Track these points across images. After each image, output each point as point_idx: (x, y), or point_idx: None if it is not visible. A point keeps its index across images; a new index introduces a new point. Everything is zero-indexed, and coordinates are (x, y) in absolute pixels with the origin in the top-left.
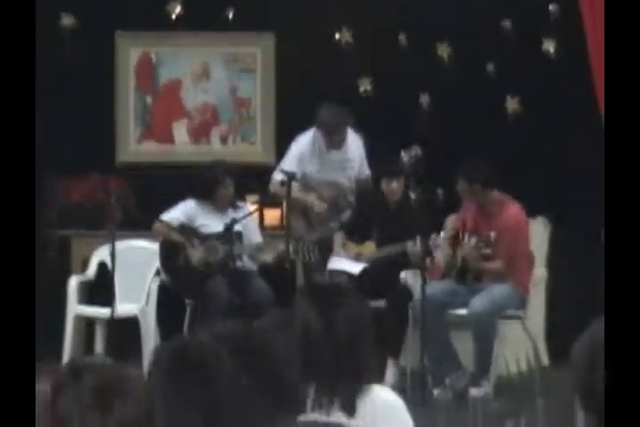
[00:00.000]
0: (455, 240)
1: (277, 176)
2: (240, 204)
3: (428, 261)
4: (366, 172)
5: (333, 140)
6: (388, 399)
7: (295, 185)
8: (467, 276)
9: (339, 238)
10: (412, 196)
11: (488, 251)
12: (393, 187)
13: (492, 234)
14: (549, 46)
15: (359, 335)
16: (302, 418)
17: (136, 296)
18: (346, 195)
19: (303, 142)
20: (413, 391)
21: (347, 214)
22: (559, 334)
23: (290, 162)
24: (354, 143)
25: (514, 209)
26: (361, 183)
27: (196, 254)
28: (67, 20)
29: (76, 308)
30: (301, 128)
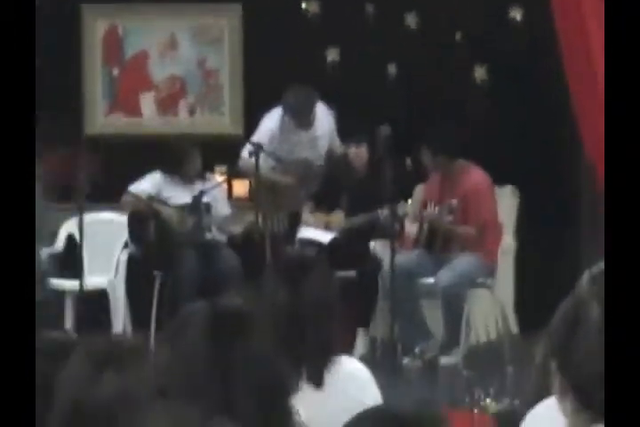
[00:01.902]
0: (423, 209)
1: (246, 150)
2: (208, 175)
3: (397, 230)
4: (337, 144)
5: (301, 121)
6: (355, 370)
7: (264, 163)
8: (435, 245)
9: (307, 208)
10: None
11: (450, 218)
12: (358, 152)
13: (454, 201)
14: (516, 14)
15: (327, 307)
16: None
17: (105, 269)
18: (315, 170)
19: (272, 121)
20: (383, 360)
21: (315, 187)
22: (528, 303)
23: (259, 136)
24: (324, 119)
25: (476, 175)
26: (330, 154)
27: (170, 220)
28: None
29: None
30: (270, 99)
